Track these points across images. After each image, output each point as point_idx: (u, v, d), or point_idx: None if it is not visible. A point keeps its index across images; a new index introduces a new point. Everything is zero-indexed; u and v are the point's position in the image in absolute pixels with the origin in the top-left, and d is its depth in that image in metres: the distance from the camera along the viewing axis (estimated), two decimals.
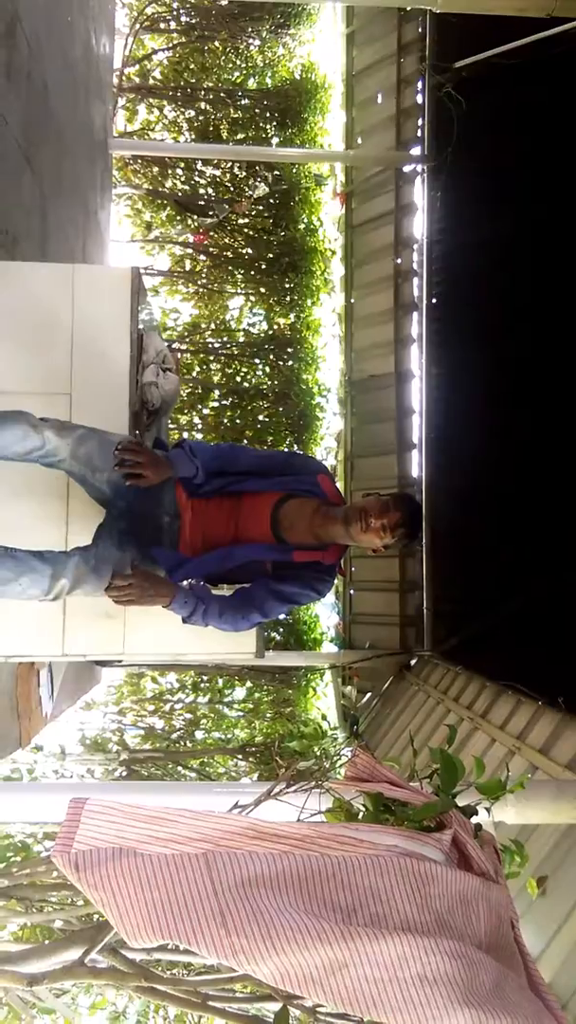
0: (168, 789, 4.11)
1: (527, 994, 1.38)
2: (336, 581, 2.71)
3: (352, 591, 7.98)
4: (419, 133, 7.36)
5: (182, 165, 9.79)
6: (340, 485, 7.57)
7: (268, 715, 9.08)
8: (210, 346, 10.20)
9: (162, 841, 1.28)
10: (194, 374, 9.72)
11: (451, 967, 1.19)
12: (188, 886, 1.16)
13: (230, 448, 2.63)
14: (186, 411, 9.62)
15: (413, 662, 7.24)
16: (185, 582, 2.39)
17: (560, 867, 3.07)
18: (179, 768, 7.71)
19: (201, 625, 2.37)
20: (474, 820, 1.57)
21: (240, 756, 7.93)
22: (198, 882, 1.16)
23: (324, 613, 9.03)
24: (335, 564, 2.53)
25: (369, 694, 7.59)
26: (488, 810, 1.66)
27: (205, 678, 9.26)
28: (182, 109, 9.91)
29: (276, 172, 9.39)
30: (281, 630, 9.14)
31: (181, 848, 1.26)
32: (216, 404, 9.81)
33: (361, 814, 1.54)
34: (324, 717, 7.13)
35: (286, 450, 8.92)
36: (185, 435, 9.43)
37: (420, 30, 7.17)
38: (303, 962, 1.13)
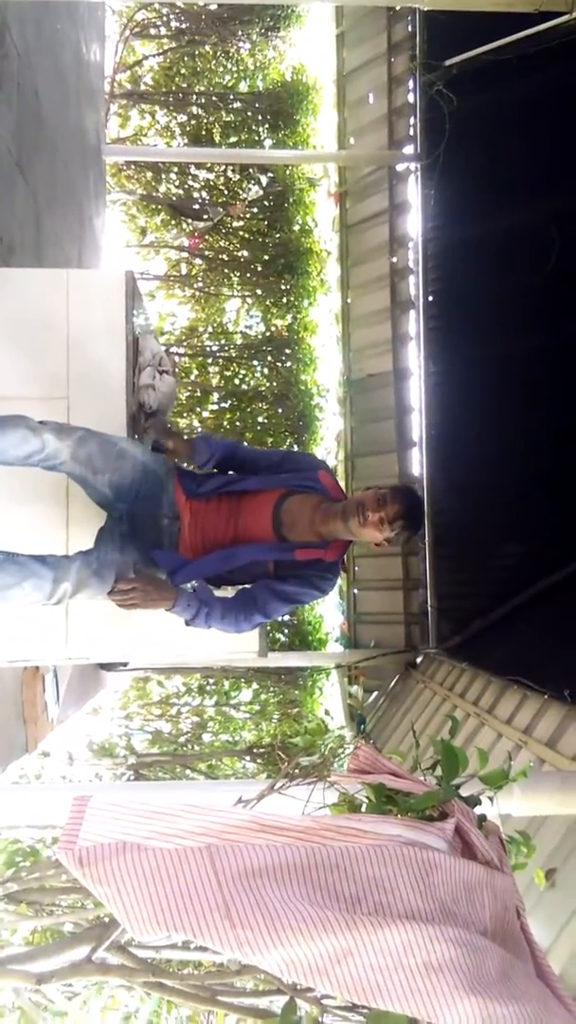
0: (172, 787, 4.12)
1: (534, 981, 1.38)
2: (339, 580, 2.70)
3: (356, 590, 7.98)
4: (411, 132, 7.36)
5: (175, 169, 9.81)
6: (342, 484, 7.58)
7: (275, 716, 9.08)
8: (208, 349, 10.22)
9: (165, 836, 1.28)
10: (192, 377, 9.74)
11: (456, 954, 1.20)
12: (192, 879, 1.16)
13: (238, 445, 2.69)
14: (185, 414, 9.64)
15: (419, 660, 7.23)
16: (188, 585, 2.40)
17: (569, 859, 3.07)
18: (187, 771, 7.71)
19: (204, 628, 2.36)
20: (478, 811, 1.58)
21: (248, 757, 7.93)
22: (202, 874, 1.17)
23: (329, 613, 9.04)
24: (337, 561, 2.51)
25: (375, 693, 7.59)
26: (491, 799, 1.67)
27: (211, 680, 9.26)
28: (174, 114, 9.94)
29: (270, 174, 9.41)
30: (286, 631, 9.14)
31: (184, 843, 1.26)
32: (215, 407, 9.83)
33: (364, 806, 1.54)
34: (328, 713, 7.13)
35: (284, 449, 8.92)
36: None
37: (410, 29, 7.18)
38: (308, 952, 1.14)
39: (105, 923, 1.63)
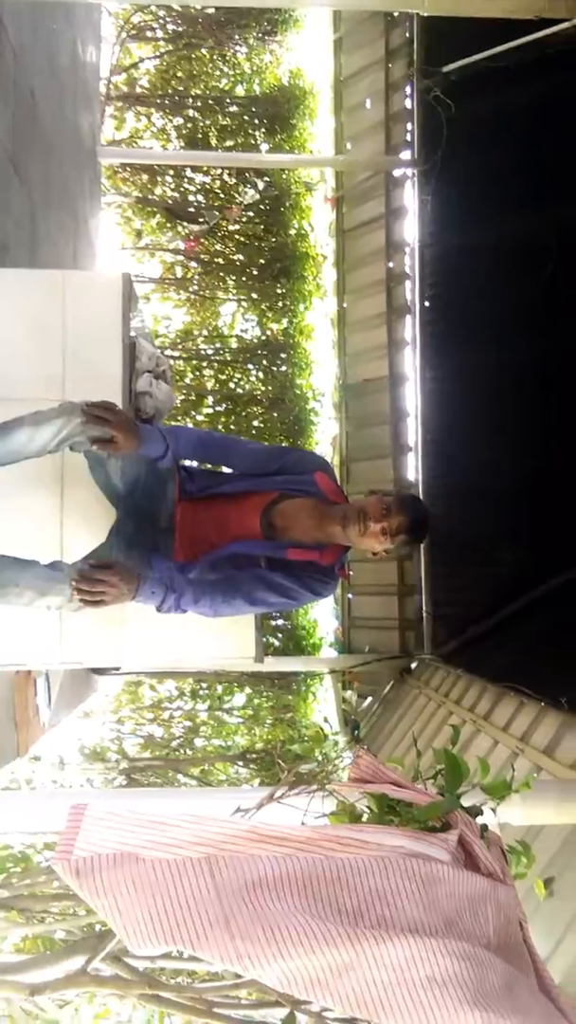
0: (169, 795, 4.08)
1: (537, 995, 1.36)
2: (336, 586, 2.55)
3: (351, 595, 7.96)
4: (408, 137, 7.37)
5: (171, 172, 9.79)
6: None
7: (268, 721, 9.05)
8: (203, 352, 10.20)
9: (163, 846, 1.26)
10: (187, 381, 9.71)
11: (460, 968, 1.17)
12: (191, 890, 1.14)
13: (224, 440, 2.53)
14: (180, 418, 9.60)
15: (414, 665, 7.21)
16: (158, 573, 2.22)
17: (567, 867, 3.05)
18: (179, 776, 7.67)
19: (178, 613, 2.22)
20: (480, 821, 1.56)
21: (241, 763, 7.90)
22: (201, 886, 1.14)
23: (323, 617, 9.01)
24: (333, 566, 2.41)
25: (370, 698, 7.57)
26: (494, 811, 1.64)
27: (204, 685, 9.23)
28: (170, 117, 9.92)
29: (266, 178, 9.40)
30: (280, 636, 9.11)
31: (183, 853, 1.24)
32: (210, 410, 9.80)
33: (365, 816, 1.52)
34: (326, 720, 7.10)
35: (284, 446, 8.78)
36: None
37: (407, 35, 7.18)
38: (309, 965, 1.11)
39: (100, 933, 1.60)
